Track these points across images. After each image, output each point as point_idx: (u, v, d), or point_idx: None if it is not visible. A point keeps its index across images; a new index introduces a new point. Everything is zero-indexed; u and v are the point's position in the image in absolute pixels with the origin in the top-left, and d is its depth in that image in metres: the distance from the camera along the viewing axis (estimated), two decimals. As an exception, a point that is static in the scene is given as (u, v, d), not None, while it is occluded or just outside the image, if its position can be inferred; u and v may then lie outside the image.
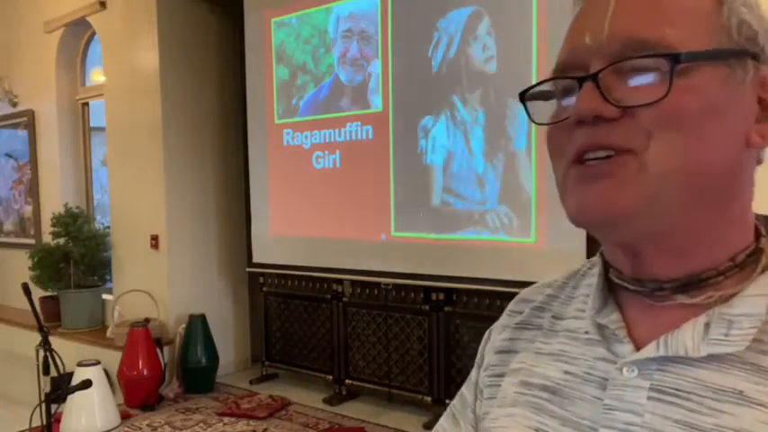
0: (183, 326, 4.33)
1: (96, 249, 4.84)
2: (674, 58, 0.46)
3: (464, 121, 3.37)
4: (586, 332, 0.56)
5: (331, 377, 4.14)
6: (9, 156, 6.00)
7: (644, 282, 0.52)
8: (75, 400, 3.22)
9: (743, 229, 0.52)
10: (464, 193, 3.39)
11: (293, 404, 3.99)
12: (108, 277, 4.98)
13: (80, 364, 3.44)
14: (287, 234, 4.24)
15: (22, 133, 5.74)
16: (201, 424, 3.71)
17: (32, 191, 5.70)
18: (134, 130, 4.61)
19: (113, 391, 3.71)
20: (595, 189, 0.49)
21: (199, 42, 4.57)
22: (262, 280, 4.51)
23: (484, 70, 3.28)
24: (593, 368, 0.54)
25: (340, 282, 4.04)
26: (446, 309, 3.57)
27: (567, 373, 0.56)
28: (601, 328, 0.55)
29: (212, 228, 4.70)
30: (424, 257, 3.53)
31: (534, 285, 0.67)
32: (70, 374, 3.30)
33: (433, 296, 3.60)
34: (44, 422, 2.41)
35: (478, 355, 0.68)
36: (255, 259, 4.45)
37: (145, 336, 4.04)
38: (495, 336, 0.66)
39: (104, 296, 5.00)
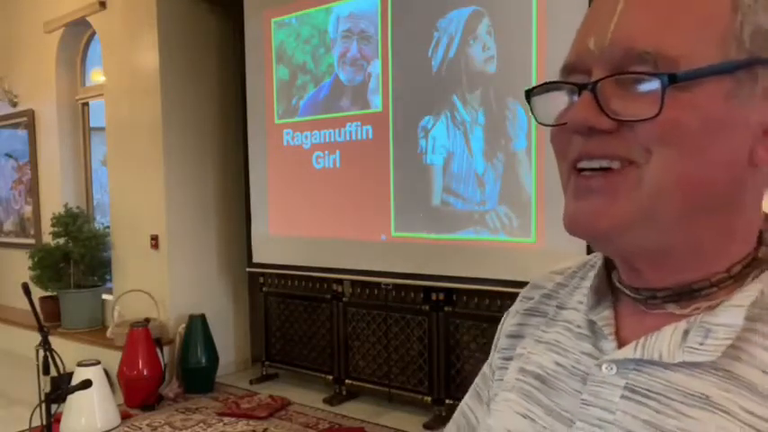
0: (183, 326, 4.33)
1: (96, 249, 4.84)
2: (670, 78, 0.44)
3: (464, 121, 3.37)
4: (579, 326, 0.57)
5: (331, 377, 4.14)
6: (9, 156, 6.00)
7: (639, 290, 0.53)
8: (75, 400, 3.22)
9: (745, 240, 0.51)
10: (464, 194, 3.39)
11: (293, 404, 3.99)
12: (108, 277, 4.98)
13: (80, 364, 3.44)
14: (287, 234, 4.24)
15: (22, 133, 5.74)
16: (201, 424, 3.71)
17: (32, 191, 5.70)
18: (134, 130, 4.61)
19: (113, 391, 3.71)
20: (587, 204, 0.49)
21: (199, 42, 4.57)
22: (262, 280, 4.51)
23: (484, 70, 3.28)
24: (579, 362, 0.55)
25: (340, 282, 4.04)
26: (446, 309, 3.57)
27: (557, 364, 0.57)
28: (591, 324, 0.56)
29: (212, 228, 4.70)
30: (424, 257, 3.53)
31: (547, 271, 0.68)
32: (70, 374, 3.30)
33: (433, 296, 3.60)
34: (44, 422, 2.41)
35: (495, 337, 0.70)
36: (255, 259, 4.45)
37: (145, 336, 4.04)
38: (510, 320, 0.68)
39: (104, 296, 5.00)
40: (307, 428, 3.62)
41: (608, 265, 0.58)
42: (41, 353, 2.83)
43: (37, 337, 2.88)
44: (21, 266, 5.07)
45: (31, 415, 2.56)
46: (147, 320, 4.24)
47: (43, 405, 2.40)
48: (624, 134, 0.47)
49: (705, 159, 0.46)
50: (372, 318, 3.94)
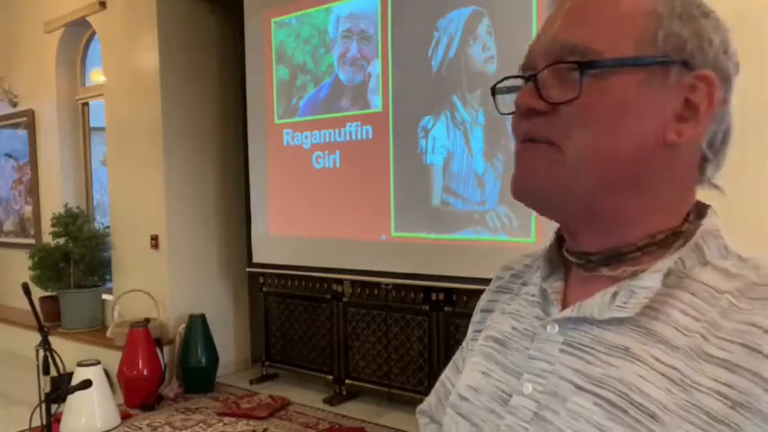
0: (183, 326, 4.33)
1: (96, 249, 4.84)
2: (587, 65, 0.55)
3: (464, 121, 3.37)
4: (533, 295, 0.68)
5: (331, 377, 4.14)
6: (9, 156, 6.00)
7: (579, 255, 0.62)
8: (75, 400, 3.23)
9: (670, 215, 0.59)
10: (464, 194, 3.39)
11: (293, 404, 3.99)
12: (108, 277, 4.98)
13: (80, 364, 3.45)
14: (287, 234, 4.24)
15: (22, 133, 5.74)
16: (201, 424, 3.71)
17: (32, 191, 5.70)
18: (134, 130, 4.61)
19: (113, 391, 3.71)
20: (521, 171, 0.60)
21: (199, 42, 4.57)
22: (262, 280, 4.51)
23: (484, 70, 3.28)
24: (531, 325, 0.65)
25: (340, 282, 4.04)
26: (446, 309, 3.57)
27: (513, 328, 0.67)
28: (544, 292, 0.66)
29: (212, 228, 4.70)
30: (424, 257, 3.53)
31: (519, 254, 0.79)
32: (70, 374, 3.30)
33: (433, 296, 3.60)
34: (44, 422, 2.41)
35: (473, 314, 0.81)
36: (255, 259, 4.45)
37: (145, 336, 4.04)
38: (484, 297, 0.79)
39: (104, 296, 5.00)
40: (307, 428, 3.62)
41: (560, 241, 0.67)
42: (41, 353, 2.83)
43: (37, 337, 2.88)
44: (21, 266, 5.07)
45: (31, 415, 2.56)
46: (147, 320, 4.24)
47: (43, 405, 2.40)
48: (553, 117, 0.57)
49: (617, 139, 0.56)
50: (372, 318, 3.94)
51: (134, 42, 4.57)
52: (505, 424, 0.61)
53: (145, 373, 3.98)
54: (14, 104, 5.75)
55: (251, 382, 4.43)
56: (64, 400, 2.80)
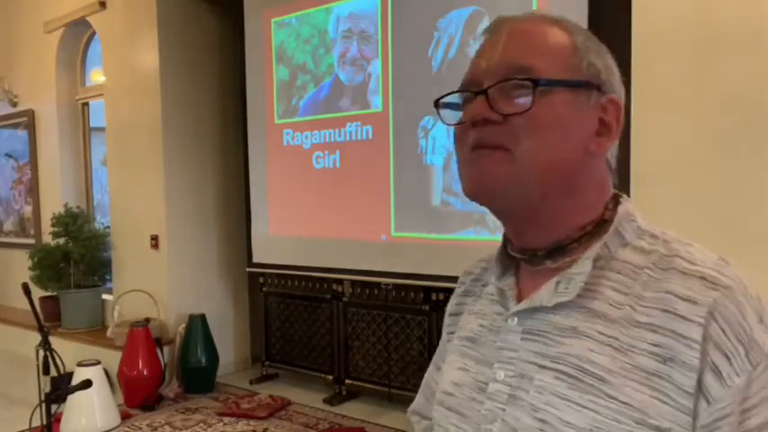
0: (183, 326, 4.33)
1: (96, 249, 4.84)
2: (536, 82, 0.65)
3: (464, 121, 3.36)
4: (492, 294, 0.78)
5: (331, 377, 4.14)
6: (9, 156, 6.00)
7: (525, 251, 0.72)
8: (75, 400, 3.23)
9: (589, 210, 0.70)
10: (464, 193, 3.38)
11: (293, 404, 3.99)
12: (108, 277, 4.98)
13: (80, 364, 3.45)
14: (287, 234, 4.24)
15: (22, 133, 5.74)
16: (201, 424, 3.71)
17: (32, 191, 5.70)
18: (134, 130, 4.61)
19: (113, 391, 3.71)
20: (478, 171, 0.68)
21: (199, 42, 4.57)
22: (262, 280, 4.51)
23: (484, 70, 3.28)
24: (494, 321, 0.75)
25: (340, 282, 4.04)
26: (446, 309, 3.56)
27: (480, 326, 0.77)
28: (500, 290, 0.75)
29: (212, 228, 4.70)
30: (424, 257, 3.53)
31: (476, 259, 0.89)
32: (70, 374, 3.30)
33: (433, 296, 3.60)
34: (44, 422, 2.41)
35: (445, 317, 0.92)
36: (255, 259, 4.45)
37: (145, 336, 4.04)
38: (452, 302, 0.90)
39: (104, 296, 5.00)
40: (307, 428, 3.62)
41: (505, 244, 0.76)
42: (41, 353, 2.83)
43: (37, 337, 2.88)
44: (21, 266, 5.07)
45: (31, 415, 2.56)
46: (147, 320, 4.24)
47: (43, 405, 2.40)
48: (504, 127, 0.66)
49: (558, 146, 0.66)
50: (372, 318, 3.94)
51: (134, 42, 4.57)
52: (486, 408, 0.71)
53: (145, 373, 3.98)
54: (14, 104, 5.75)
55: (251, 382, 4.43)
56: (64, 400, 2.79)
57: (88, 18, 4.89)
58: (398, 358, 3.81)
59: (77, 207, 5.08)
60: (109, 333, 4.57)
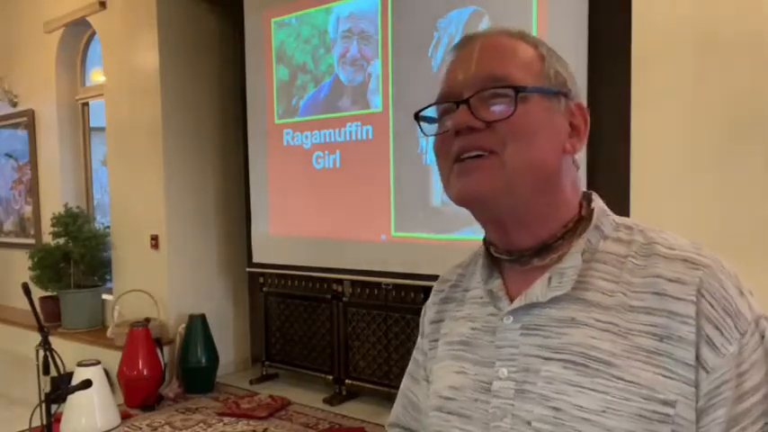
0: (183, 326, 4.33)
1: (96, 249, 4.84)
2: (519, 89, 0.69)
3: (464, 121, 3.36)
4: (481, 297, 0.80)
5: (331, 377, 4.14)
6: (9, 156, 6.00)
7: (512, 252, 0.75)
8: (75, 400, 3.23)
9: (568, 207, 0.75)
10: (464, 193, 3.38)
11: (293, 404, 3.99)
12: (108, 277, 4.98)
13: (80, 364, 3.45)
14: (287, 234, 4.24)
15: (22, 133, 5.74)
16: (201, 424, 3.71)
17: (32, 191, 5.70)
18: (134, 130, 4.61)
19: (113, 391, 3.71)
20: (470, 179, 0.71)
21: (199, 42, 4.57)
22: (262, 280, 4.51)
23: (484, 70, 3.27)
24: (488, 322, 0.77)
25: (340, 282, 4.04)
26: (446, 309, 3.56)
27: (473, 329, 0.79)
28: (489, 292, 0.78)
29: (212, 228, 4.70)
30: (424, 257, 3.53)
31: (451, 266, 0.93)
32: (70, 374, 3.30)
33: (433, 296, 3.59)
34: (44, 422, 2.41)
35: (420, 326, 0.95)
36: (255, 259, 4.45)
37: (145, 336, 4.04)
38: (429, 311, 0.91)
39: (104, 296, 5.00)
40: (307, 428, 3.62)
41: (488, 248, 0.80)
42: (41, 353, 2.83)
43: (37, 337, 2.88)
44: (21, 266, 5.07)
45: (31, 415, 2.56)
46: (147, 320, 4.24)
47: (43, 405, 2.40)
48: (488, 133, 0.70)
49: (541, 148, 0.71)
50: (372, 318, 3.94)
51: (134, 42, 4.57)
52: (493, 407, 0.73)
53: (145, 373, 3.98)
54: (14, 104, 5.75)
55: (251, 382, 4.43)
56: (64, 400, 2.79)
57: (88, 18, 4.89)
58: (398, 358, 3.81)
59: (77, 207, 5.08)
60: (109, 333, 4.57)
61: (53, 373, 2.80)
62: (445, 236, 3.45)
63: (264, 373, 4.51)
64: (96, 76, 5.36)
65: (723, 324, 0.66)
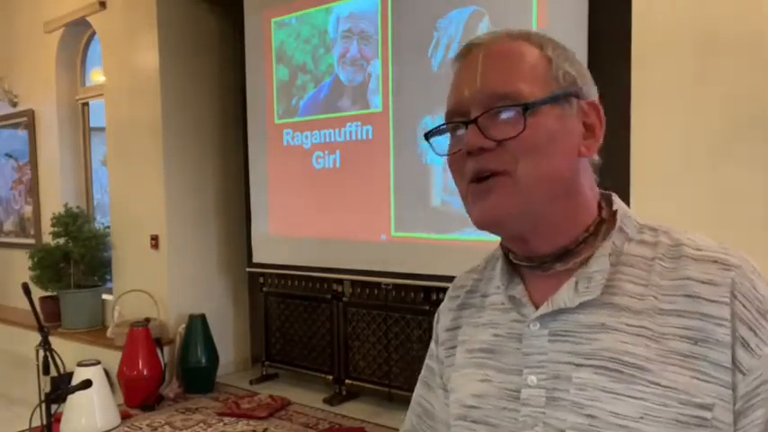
0: (183, 326, 4.33)
1: (96, 249, 4.84)
2: (525, 107, 0.67)
3: (464, 121, 3.36)
4: (503, 303, 0.78)
5: (331, 377, 4.14)
6: (9, 156, 6.00)
7: (533, 259, 0.74)
8: (75, 400, 3.23)
9: (588, 210, 0.73)
10: (464, 193, 3.38)
11: (293, 404, 3.99)
12: (108, 277, 4.98)
13: (80, 364, 3.45)
14: (287, 234, 4.24)
15: (22, 133, 5.74)
16: (201, 424, 3.71)
17: (32, 191, 5.70)
18: (134, 130, 4.61)
19: (113, 391, 3.71)
20: (486, 202, 0.70)
21: (199, 42, 4.57)
22: (262, 280, 4.51)
23: (484, 70, 3.27)
24: (512, 328, 0.76)
25: (340, 282, 4.04)
26: (446, 309, 3.56)
27: (495, 335, 0.77)
28: (511, 298, 0.76)
29: (212, 228, 4.70)
30: (424, 257, 3.53)
31: (464, 272, 0.90)
32: (70, 374, 3.30)
33: (433, 296, 3.60)
34: (44, 422, 2.41)
35: (434, 333, 0.91)
36: (255, 259, 4.45)
37: (145, 336, 4.04)
38: (444, 317, 0.88)
39: (104, 296, 5.00)
40: (307, 428, 3.62)
41: (506, 253, 0.78)
42: (41, 353, 2.83)
43: (37, 337, 2.88)
44: (21, 266, 5.07)
45: (31, 415, 2.56)
46: (147, 320, 4.24)
47: (43, 405, 2.40)
48: (499, 152, 0.68)
49: (554, 158, 0.69)
50: (372, 318, 3.94)
51: (134, 42, 4.57)
52: (523, 415, 0.71)
53: (145, 373, 3.98)
54: (14, 104, 5.75)
55: (251, 382, 4.43)
56: (64, 400, 2.79)
57: (88, 18, 4.89)
58: (398, 358, 3.81)
59: (77, 207, 5.08)
60: (109, 333, 4.57)
61: (53, 373, 2.80)
62: (445, 236, 3.45)
63: (264, 373, 4.51)
64: (96, 76, 5.35)
65: (757, 325, 0.65)
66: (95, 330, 4.83)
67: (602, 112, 0.73)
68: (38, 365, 2.92)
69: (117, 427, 3.52)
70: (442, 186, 3.46)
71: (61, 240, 4.82)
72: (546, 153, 0.69)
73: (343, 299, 4.06)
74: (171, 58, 4.42)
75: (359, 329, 4.02)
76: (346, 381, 4.07)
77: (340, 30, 3.88)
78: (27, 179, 5.78)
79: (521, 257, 0.75)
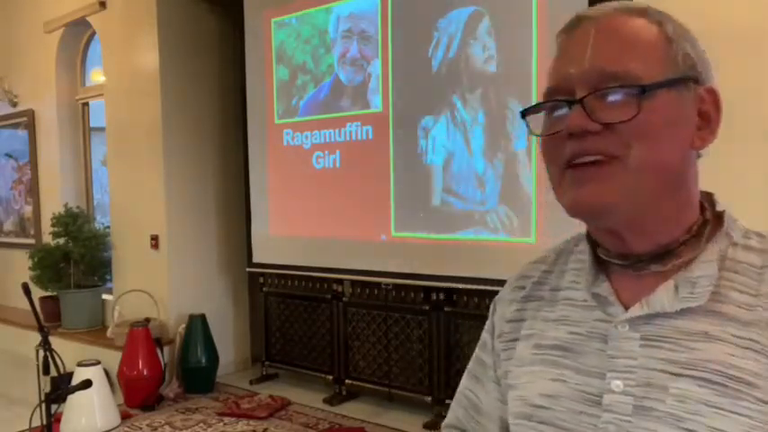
0: (183, 326, 4.33)
1: (96, 249, 4.84)
2: (641, 89, 0.61)
3: (464, 121, 3.37)
4: (585, 300, 0.72)
5: (331, 377, 4.14)
6: (9, 156, 6.00)
7: (628, 257, 0.68)
8: (75, 400, 3.23)
9: (692, 208, 0.68)
10: (464, 194, 3.39)
11: (293, 404, 3.99)
12: (108, 277, 4.98)
13: (80, 364, 3.45)
14: (287, 234, 4.24)
15: (22, 133, 5.74)
16: (201, 424, 3.71)
17: (32, 191, 5.70)
18: (134, 130, 4.61)
19: (113, 391, 3.71)
20: (586, 189, 0.64)
21: (199, 42, 4.57)
22: (262, 280, 4.51)
23: (484, 70, 3.28)
24: (594, 328, 0.69)
25: (340, 282, 4.04)
26: (446, 309, 3.57)
27: (572, 333, 0.71)
28: (596, 296, 0.70)
29: (212, 228, 4.70)
30: (424, 257, 3.53)
31: (530, 262, 0.83)
32: (70, 374, 3.30)
33: (433, 296, 3.60)
34: (44, 422, 2.41)
35: (488, 324, 0.85)
36: (255, 259, 4.45)
37: (145, 336, 4.04)
38: (504, 308, 0.82)
39: (104, 296, 5.00)
40: (307, 428, 3.62)
41: (593, 247, 0.72)
42: (41, 353, 2.83)
43: (37, 337, 2.88)
44: (21, 266, 5.07)
45: (31, 415, 2.56)
46: (147, 320, 4.24)
47: (43, 405, 2.40)
48: (607, 135, 0.62)
49: (667, 147, 0.63)
50: (372, 318, 3.94)
51: (134, 42, 4.57)
52: (605, 421, 0.66)
53: (145, 373, 3.98)
54: (14, 104, 5.75)
55: (251, 382, 4.43)
56: (64, 400, 2.79)
57: (88, 18, 4.89)
58: (398, 358, 3.81)
59: (77, 207, 5.08)
60: (109, 333, 4.57)
61: (53, 373, 2.80)
62: (445, 236, 3.45)
63: (264, 373, 4.51)
64: (96, 77, 5.35)
65: None
66: (95, 330, 4.83)
67: (720, 100, 0.67)
68: (38, 365, 2.92)
69: (117, 427, 3.52)
70: (442, 186, 3.46)
71: (61, 240, 4.82)
72: (661, 140, 0.63)
73: (343, 299, 4.06)
74: (171, 58, 4.42)
75: (359, 329, 4.02)
76: (346, 381, 4.07)
77: (340, 30, 3.88)
78: (27, 179, 5.79)
79: (613, 254, 0.69)
